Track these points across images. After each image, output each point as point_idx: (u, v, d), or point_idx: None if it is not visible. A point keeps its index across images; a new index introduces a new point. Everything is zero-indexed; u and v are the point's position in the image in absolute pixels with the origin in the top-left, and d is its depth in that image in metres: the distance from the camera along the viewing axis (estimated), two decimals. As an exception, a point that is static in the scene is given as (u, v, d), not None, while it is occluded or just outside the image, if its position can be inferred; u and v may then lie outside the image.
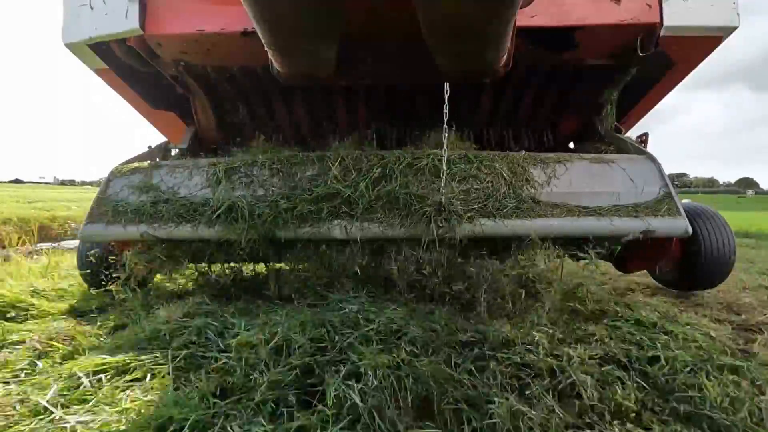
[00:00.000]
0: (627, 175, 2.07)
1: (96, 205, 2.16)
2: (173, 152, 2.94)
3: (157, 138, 3.29)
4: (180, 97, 2.91)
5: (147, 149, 2.84)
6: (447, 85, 1.92)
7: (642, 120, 3.13)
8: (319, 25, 1.42)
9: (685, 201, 2.35)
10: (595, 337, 1.61)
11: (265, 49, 1.60)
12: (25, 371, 1.39)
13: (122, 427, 1.04)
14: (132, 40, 2.26)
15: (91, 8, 2.24)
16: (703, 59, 2.40)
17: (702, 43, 2.23)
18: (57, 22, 2.34)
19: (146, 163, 2.35)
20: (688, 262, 2.35)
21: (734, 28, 2.13)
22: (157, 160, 2.68)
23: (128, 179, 2.21)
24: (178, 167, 2.23)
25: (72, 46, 2.37)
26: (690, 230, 1.94)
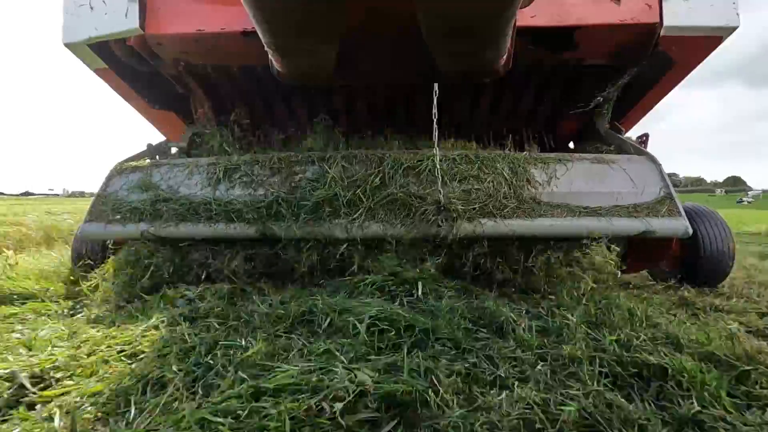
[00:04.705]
0: (627, 176, 2.07)
1: (96, 203, 2.15)
2: (173, 150, 2.94)
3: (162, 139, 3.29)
4: (180, 97, 2.90)
5: (146, 147, 2.83)
6: (436, 86, 1.93)
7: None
8: (319, 25, 1.42)
9: None
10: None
11: (265, 49, 1.60)
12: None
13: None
14: (132, 40, 2.25)
15: (91, 8, 2.24)
16: (702, 59, 2.40)
17: (702, 43, 2.23)
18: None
19: (146, 162, 2.35)
20: (688, 261, 2.35)
21: (734, 29, 2.13)
22: (157, 158, 2.68)
23: (128, 178, 2.21)
24: (178, 166, 2.23)
25: (72, 46, 2.36)
26: (690, 230, 1.94)
